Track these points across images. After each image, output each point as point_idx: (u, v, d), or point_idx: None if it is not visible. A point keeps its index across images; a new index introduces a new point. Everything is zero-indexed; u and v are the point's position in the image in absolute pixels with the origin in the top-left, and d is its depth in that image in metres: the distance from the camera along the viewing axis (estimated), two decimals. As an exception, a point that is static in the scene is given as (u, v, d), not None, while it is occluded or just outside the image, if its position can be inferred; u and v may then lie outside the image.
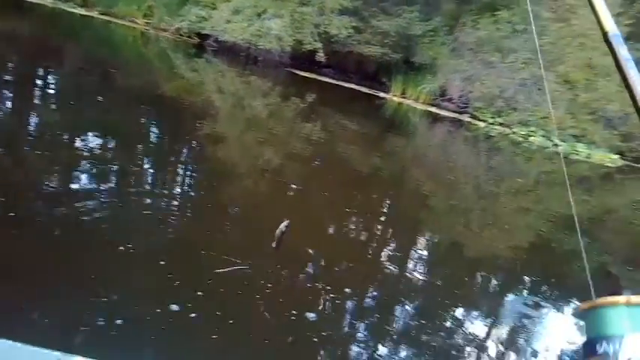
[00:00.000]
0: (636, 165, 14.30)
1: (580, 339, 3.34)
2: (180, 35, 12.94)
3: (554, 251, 5.20)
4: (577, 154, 13.19)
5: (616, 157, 13.76)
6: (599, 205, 8.39)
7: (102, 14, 12.77)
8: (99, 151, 4.09)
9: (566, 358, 2.98)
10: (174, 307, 2.21)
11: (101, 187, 3.37)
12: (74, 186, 3.30)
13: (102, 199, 3.15)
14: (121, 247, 2.59)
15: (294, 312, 2.51)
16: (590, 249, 5.49)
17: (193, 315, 2.23)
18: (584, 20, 13.83)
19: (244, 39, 12.17)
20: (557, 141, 13.43)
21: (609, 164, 13.15)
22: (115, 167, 3.90)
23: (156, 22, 13.09)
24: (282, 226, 2.82)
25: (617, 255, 5.66)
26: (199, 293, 2.41)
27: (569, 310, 3.79)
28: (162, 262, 2.59)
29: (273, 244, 2.83)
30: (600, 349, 0.61)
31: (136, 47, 11.06)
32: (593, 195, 9.21)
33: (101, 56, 8.68)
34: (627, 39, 12.55)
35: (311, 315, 2.50)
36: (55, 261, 2.40)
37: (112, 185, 3.51)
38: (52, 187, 3.28)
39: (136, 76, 7.85)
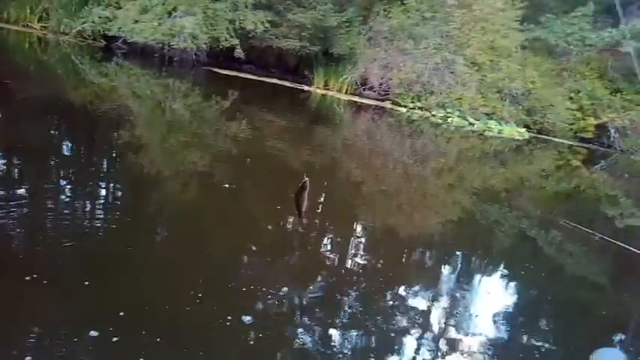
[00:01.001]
0: (541, 136, 15.67)
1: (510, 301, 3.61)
2: (84, 38, 12.02)
3: (479, 222, 5.55)
4: (490, 131, 14.18)
5: (523, 130, 14.99)
6: (513, 176, 9.09)
7: (-11, 20, 11.52)
8: (4, 173, 3.68)
9: (500, 321, 3.18)
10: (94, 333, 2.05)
11: (10, 213, 3.02)
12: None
13: (10, 225, 2.84)
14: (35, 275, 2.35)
15: (229, 317, 2.43)
16: (510, 216, 5.94)
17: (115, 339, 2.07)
18: (484, 5, 14.86)
19: (156, 39, 11.57)
20: (471, 120, 14.34)
21: (519, 137, 14.28)
22: (24, 189, 3.51)
23: (54, 25, 12.04)
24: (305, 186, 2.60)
25: (533, 219, 6.16)
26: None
27: (497, 275, 4.07)
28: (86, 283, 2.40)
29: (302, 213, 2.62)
30: None
31: (34, 54, 10.09)
32: (507, 167, 9.96)
33: (-7, 66, 7.82)
34: (522, 22, 13.68)
35: (248, 318, 2.43)
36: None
37: (23, 209, 3.16)
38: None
39: (39, 86, 7.17)
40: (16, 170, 3.83)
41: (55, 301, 2.24)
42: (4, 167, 3.79)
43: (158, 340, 2.11)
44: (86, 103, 6.80)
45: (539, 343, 2.99)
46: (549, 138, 15.67)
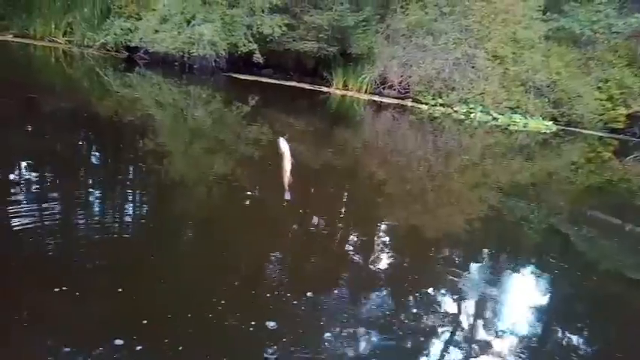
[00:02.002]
0: (569, 128, 15.22)
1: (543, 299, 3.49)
2: (107, 50, 12.32)
3: (507, 218, 5.40)
4: (515, 125, 13.85)
5: (550, 123, 14.59)
6: (540, 170, 8.84)
7: (17, 37, 11.91)
8: (37, 184, 3.78)
9: (533, 320, 3.08)
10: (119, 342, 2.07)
11: (45, 223, 3.10)
12: (14, 222, 3.01)
13: (44, 234, 2.91)
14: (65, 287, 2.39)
15: (252, 323, 2.42)
16: (538, 211, 5.77)
17: (139, 347, 2.08)
18: (504, -3, 14.57)
19: (176, 48, 11.76)
20: (495, 114, 14.04)
21: (545, 131, 13.91)
22: (52, 198, 3.60)
23: (78, 39, 12.38)
24: (285, 150, 2.45)
25: (562, 215, 5.97)
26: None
27: (528, 272, 3.94)
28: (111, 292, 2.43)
29: (286, 195, 2.55)
30: None
31: (60, 68, 10.39)
32: (534, 161, 9.70)
33: (24, 82, 8.08)
34: (544, 11, 13.36)
35: (272, 324, 2.42)
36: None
37: (55, 219, 3.23)
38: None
39: (66, 98, 7.37)
40: (44, 180, 3.93)
41: (81, 310, 2.27)
42: (34, 178, 3.89)
43: (180, 348, 2.11)
44: (111, 113, 6.95)
45: (575, 343, 2.87)
46: (578, 130, 15.21)
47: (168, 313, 2.36)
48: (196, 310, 2.43)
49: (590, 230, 5.30)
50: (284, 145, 2.57)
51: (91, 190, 4.01)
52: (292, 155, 2.71)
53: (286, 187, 2.66)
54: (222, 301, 2.51)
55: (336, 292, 2.92)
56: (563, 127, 15.10)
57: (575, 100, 15.31)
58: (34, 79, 8.60)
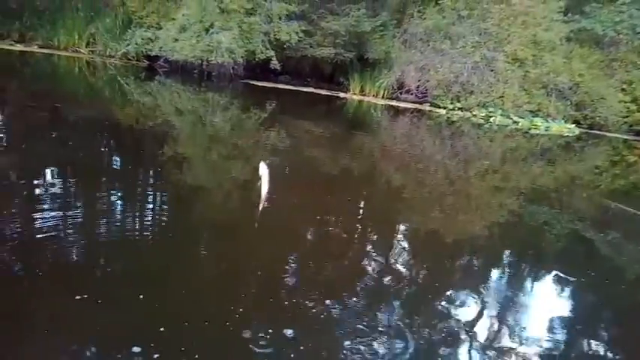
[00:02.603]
0: (592, 131, 14.88)
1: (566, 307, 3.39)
2: (129, 60, 12.60)
3: (528, 224, 5.28)
4: (536, 129, 13.61)
5: (572, 126, 14.30)
6: (564, 174, 8.64)
7: (42, 48, 12.27)
8: (62, 189, 3.86)
9: (556, 329, 2.99)
10: (136, 349, 2.09)
11: (68, 229, 3.16)
12: (39, 228, 3.08)
13: (67, 240, 2.97)
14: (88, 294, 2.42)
15: (270, 331, 2.40)
16: (562, 217, 5.63)
17: (156, 356, 2.08)
18: (523, -1, 14.37)
19: (195, 56, 11.95)
20: (515, 118, 13.81)
21: (568, 134, 13.63)
22: (79, 206, 3.67)
23: (101, 49, 12.69)
24: (264, 172, 2.57)
25: (587, 220, 5.81)
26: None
27: (551, 279, 3.83)
28: (131, 299, 2.46)
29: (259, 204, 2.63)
30: None
31: (83, 77, 10.65)
32: (556, 165, 9.49)
33: (48, 91, 8.31)
34: (565, 12, 13.15)
35: (290, 332, 2.40)
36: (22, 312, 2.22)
37: (78, 225, 3.29)
38: (13, 231, 3.05)
39: (89, 107, 7.54)
40: (66, 187, 4.01)
41: (102, 317, 2.29)
42: (56, 184, 3.97)
43: (196, 356, 2.11)
44: (132, 121, 7.08)
45: (599, 353, 2.78)
46: (602, 133, 14.87)
47: (185, 320, 2.36)
48: (214, 317, 2.43)
49: (615, 236, 5.14)
50: (263, 169, 2.70)
51: (112, 196, 4.08)
52: (270, 180, 2.85)
53: (260, 208, 2.72)
54: (240, 309, 2.51)
55: (354, 299, 2.88)
56: (586, 130, 14.77)
57: (598, 103, 14.97)
58: (59, 89, 8.83)
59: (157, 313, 2.39)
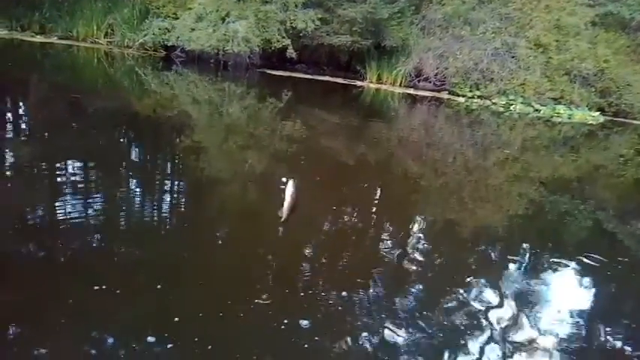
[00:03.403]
0: (617, 119, 14.45)
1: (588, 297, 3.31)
2: (146, 50, 12.65)
3: (549, 214, 5.17)
4: (559, 116, 13.27)
5: (597, 114, 13.89)
6: (587, 163, 8.42)
7: (62, 39, 12.43)
8: (81, 179, 3.92)
9: (576, 321, 2.92)
10: (151, 339, 2.11)
11: (89, 219, 3.21)
12: (60, 218, 3.13)
13: (90, 230, 3.02)
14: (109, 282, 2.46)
15: (285, 321, 2.40)
16: (584, 207, 5.49)
17: (170, 345, 2.10)
18: (547, -18, 13.92)
19: (211, 45, 11.93)
20: (537, 106, 13.48)
21: (592, 122, 13.26)
22: (97, 196, 3.72)
23: (119, 39, 12.79)
24: (290, 188, 2.59)
25: (610, 210, 5.65)
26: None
27: (571, 271, 3.74)
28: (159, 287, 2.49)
29: (281, 214, 2.66)
30: None
31: (102, 68, 10.76)
32: (579, 154, 9.25)
33: (68, 82, 8.43)
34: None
35: (305, 323, 2.40)
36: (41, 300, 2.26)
37: (97, 215, 3.34)
38: (35, 221, 3.12)
39: (108, 98, 7.63)
40: (83, 177, 4.07)
41: (119, 307, 2.32)
42: (74, 174, 4.03)
43: (209, 347, 2.12)
44: (150, 111, 7.14)
45: (619, 345, 2.71)
46: (627, 121, 14.42)
47: (200, 311, 2.38)
48: (229, 308, 2.44)
49: (638, 227, 5.00)
50: (291, 187, 2.69)
51: (129, 186, 4.12)
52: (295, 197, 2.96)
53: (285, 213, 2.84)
54: (256, 300, 2.51)
55: (371, 290, 2.86)
56: (610, 118, 14.35)
57: (624, 89, 14.50)
58: (79, 80, 8.95)
59: (172, 304, 2.41)
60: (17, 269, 2.53)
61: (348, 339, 2.36)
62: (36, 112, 6.14)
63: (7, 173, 3.95)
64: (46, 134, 5.27)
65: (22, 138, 4.97)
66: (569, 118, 13.24)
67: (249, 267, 2.98)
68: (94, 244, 2.90)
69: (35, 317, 2.15)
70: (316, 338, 2.31)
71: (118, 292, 2.40)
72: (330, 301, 2.64)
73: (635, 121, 14.47)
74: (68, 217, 3.15)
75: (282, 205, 2.97)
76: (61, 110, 6.30)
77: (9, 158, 4.27)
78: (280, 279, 2.89)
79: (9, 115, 5.84)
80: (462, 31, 14.06)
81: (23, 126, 5.50)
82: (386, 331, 2.46)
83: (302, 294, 2.71)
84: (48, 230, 2.98)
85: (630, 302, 3.46)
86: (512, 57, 13.78)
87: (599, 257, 4.00)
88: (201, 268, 2.86)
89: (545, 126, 11.99)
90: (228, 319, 2.36)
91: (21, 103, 6.61)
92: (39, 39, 12.05)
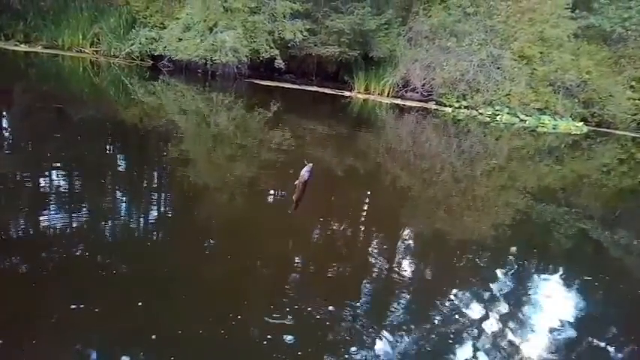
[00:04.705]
0: (600, 129, 14.70)
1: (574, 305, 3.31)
2: (133, 59, 12.58)
3: (535, 223, 5.19)
4: (544, 127, 13.46)
5: (580, 124, 14.13)
6: (571, 173, 8.52)
7: (47, 48, 12.29)
8: (65, 189, 3.83)
9: (562, 328, 2.92)
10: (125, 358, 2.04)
11: (73, 227, 3.12)
12: (41, 231, 3.05)
13: (74, 239, 2.94)
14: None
15: (268, 337, 2.35)
16: (569, 216, 5.53)
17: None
18: (531, -5, 14.20)
19: (199, 55, 11.91)
20: (522, 116, 13.66)
21: (576, 132, 13.46)
22: (84, 204, 3.63)
23: (105, 49, 12.69)
24: (305, 172, 2.39)
25: (595, 219, 5.70)
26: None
27: (556, 279, 3.75)
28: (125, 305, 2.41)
29: (293, 198, 2.51)
30: None
31: (88, 77, 10.65)
32: (563, 164, 9.37)
33: (53, 91, 8.30)
34: (573, 9, 12.95)
35: (289, 338, 2.35)
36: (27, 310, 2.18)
37: (84, 223, 3.26)
38: (17, 234, 3.02)
39: (93, 107, 7.53)
40: (70, 188, 3.98)
41: (97, 325, 2.25)
42: (61, 185, 3.94)
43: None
44: (136, 121, 7.05)
45: (605, 350, 2.72)
46: (610, 131, 14.68)
47: (179, 329, 2.31)
48: (210, 326, 2.37)
49: (622, 236, 5.04)
50: (307, 170, 2.51)
51: (114, 198, 4.04)
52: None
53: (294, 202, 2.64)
54: (238, 316, 2.45)
55: (357, 304, 2.82)
56: (594, 128, 14.60)
57: (606, 100, 14.79)
58: (63, 89, 8.83)
59: (151, 321, 2.34)
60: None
61: (333, 354, 2.31)
62: (21, 121, 6.03)
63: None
64: (29, 144, 5.17)
65: (4, 149, 4.85)
66: (554, 129, 13.44)
67: (233, 281, 2.92)
68: (75, 259, 2.82)
69: (9, 335, 2.07)
70: (299, 353, 2.26)
71: (96, 310, 2.33)
72: (317, 316, 2.60)
73: (617, 131, 14.74)
74: (48, 230, 3.07)
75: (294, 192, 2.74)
76: (45, 120, 6.19)
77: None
78: (264, 295, 2.83)
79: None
80: (448, 42, 14.24)
81: (7, 134, 5.38)
82: (373, 345, 2.42)
83: (287, 309, 2.66)
84: (27, 244, 2.89)
85: (615, 310, 3.47)
86: (498, 68, 13.98)
87: (584, 266, 4.02)
88: (183, 282, 2.79)
89: (531, 136, 12.14)
90: (208, 337, 2.29)
91: (4, 113, 6.48)
92: (23, 48, 11.90)
